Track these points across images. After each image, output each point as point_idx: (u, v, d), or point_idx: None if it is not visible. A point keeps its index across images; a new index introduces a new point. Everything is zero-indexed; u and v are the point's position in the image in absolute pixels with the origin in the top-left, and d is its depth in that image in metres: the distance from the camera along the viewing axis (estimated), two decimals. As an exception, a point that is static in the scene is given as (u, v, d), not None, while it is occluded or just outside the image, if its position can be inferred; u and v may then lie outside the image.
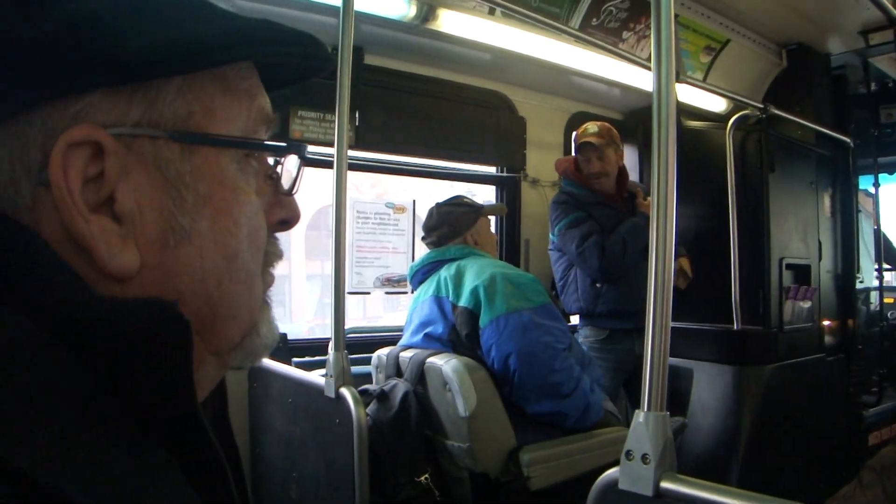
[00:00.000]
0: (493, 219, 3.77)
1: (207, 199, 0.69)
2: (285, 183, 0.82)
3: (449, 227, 3.38)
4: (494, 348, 2.88)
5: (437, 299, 3.15)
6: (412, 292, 3.50)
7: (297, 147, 0.81)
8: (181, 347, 0.62)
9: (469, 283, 3.04)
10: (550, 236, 4.25)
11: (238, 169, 0.73)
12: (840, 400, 5.07)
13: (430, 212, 3.47)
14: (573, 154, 4.31)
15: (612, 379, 3.99)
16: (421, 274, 3.38)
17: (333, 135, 2.63)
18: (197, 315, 0.69)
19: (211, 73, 0.71)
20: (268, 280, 0.81)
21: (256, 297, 0.77)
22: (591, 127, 4.18)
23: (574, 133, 4.35)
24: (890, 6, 2.99)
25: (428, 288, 3.26)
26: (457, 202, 3.49)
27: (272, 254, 0.81)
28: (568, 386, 2.89)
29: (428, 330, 3.14)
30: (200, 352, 0.71)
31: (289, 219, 0.82)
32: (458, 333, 3.02)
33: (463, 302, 3.02)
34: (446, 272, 3.19)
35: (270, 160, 0.80)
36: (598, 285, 4.02)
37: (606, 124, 4.25)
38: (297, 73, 0.85)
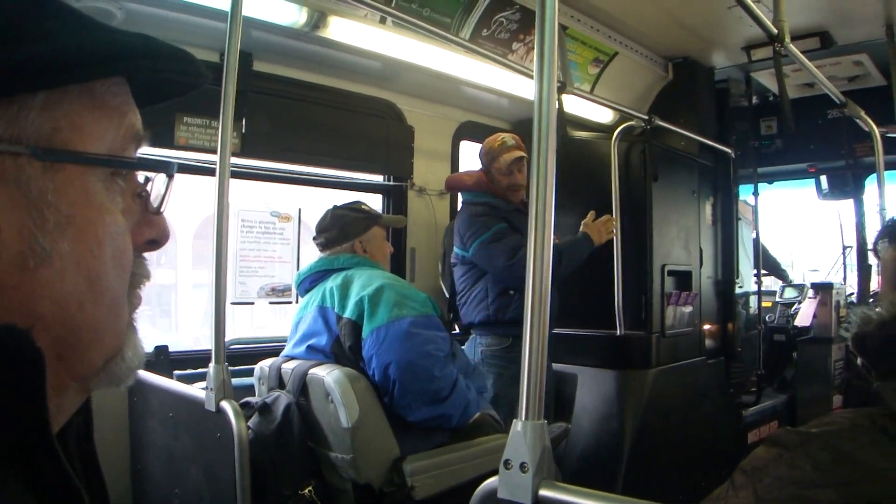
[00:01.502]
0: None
1: (70, 219, 0.66)
2: (154, 201, 0.79)
3: (339, 230, 3.34)
4: (375, 359, 2.86)
5: (322, 309, 3.12)
6: (297, 301, 3.45)
7: (165, 165, 0.79)
8: (32, 378, 0.60)
9: (355, 295, 3.01)
10: (458, 250, 4.17)
11: (104, 187, 0.71)
12: (721, 401, 5.25)
13: (325, 213, 3.42)
14: (481, 165, 4.26)
15: (515, 386, 3.89)
16: (308, 282, 3.33)
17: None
18: (58, 339, 0.66)
19: (78, 88, 0.68)
20: (134, 302, 0.78)
21: (121, 320, 0.75)
22: (510, 140, 4.16)
23: (488, 146, 4.22)
24: (770, 24, 3.10)
25: (314, 297, 3.22)
26: (353, 207, 3.45)
27: (139, 275, 0.79)
28: (446, 390, 2.91)
29: (311, 342, 3.11)
30: (61, 377, 0.69)
31: (157, 238, 0.80)
32: (342, 345, 2.99)
33: (348, 313, 2.99)
34: (333, 282, 3.15)
35: (140, 178, 0.78)
36: (511, 293, 3.99)
37: (516, 136, 4.24)
38: (171, 88, 0.83)
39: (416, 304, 2.98)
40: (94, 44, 0.68)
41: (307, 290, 3.34)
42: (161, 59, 0.75)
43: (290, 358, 3.18)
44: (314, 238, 3.44)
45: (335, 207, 3.44)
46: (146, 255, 0.81)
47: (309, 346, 3.11)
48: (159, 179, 0.79)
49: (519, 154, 4.06)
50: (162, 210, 0.80)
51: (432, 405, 2.89)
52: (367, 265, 3.27)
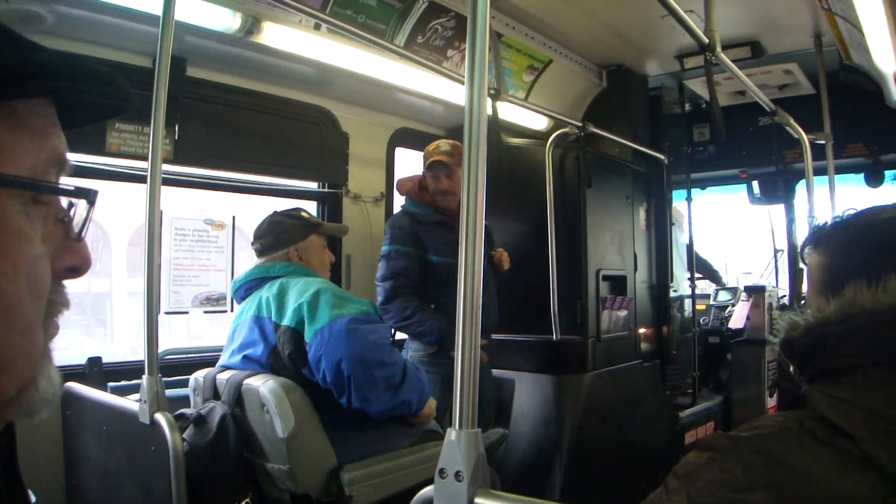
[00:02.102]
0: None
1: None
2: (77, 227, 0.77)
3: (274, 237, 3.31)
4: (324, 359, 2.80)
5: (258, 319, 3.07)
6: (233, 309, 3.40)
7: (86, 192, 0.77)
8: None
9: (293, 302, 2.97)
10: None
11: (24, 211, 0.68)
12: (657, 403, 5.33)
13: (264, 219, 3.39)
14: (423, 171, 4.27)
15: (442, 392, 3.77)
16: (244, 290, 3.28)
17: (150, 149, 2.54)
18: None
19: None
20: (51, 331, 0.76)
21: (36, 348, 0.72)
22: (444, 145, 4.16)
23: (425, 149, 4.28)
24: (701, 34, 3.16)
25: (250, 306, 3.17)
26: (291, 214, 3.43)
27: (57, 303, 0.76)
28: (398, 375, 2.88)
29: (247, 352, 3.06)
30: None
31: (78, 266, 0.78)
32: (279, 355, 2.95)
33: (286, 321, 2.94)
34: (268, 291, 3.10)
35: (63, 202, 0.76)
36: (431, 305, 3.98)
37: (459, 143, 4.15)
38: (96, 111, 0.82)
39: (355, 305, 2.95)
40: (13, 62, 0.66)
41: (243, 298, 3.30)
42: (82, 81, 0.73)
43: (226, 368, 3.14)
44: (252, 243, 3.40)
45: (274, 213, 3.42)
46: (66, 282, 0.79)
47: (245, 356, 3.07)
48: (82, 205, 0.77)
49: (435, 158, 4.09)
50: (83, 236, 0.78)
51: (389, 391, 2.84)
52: (303, 273, 3.23)
